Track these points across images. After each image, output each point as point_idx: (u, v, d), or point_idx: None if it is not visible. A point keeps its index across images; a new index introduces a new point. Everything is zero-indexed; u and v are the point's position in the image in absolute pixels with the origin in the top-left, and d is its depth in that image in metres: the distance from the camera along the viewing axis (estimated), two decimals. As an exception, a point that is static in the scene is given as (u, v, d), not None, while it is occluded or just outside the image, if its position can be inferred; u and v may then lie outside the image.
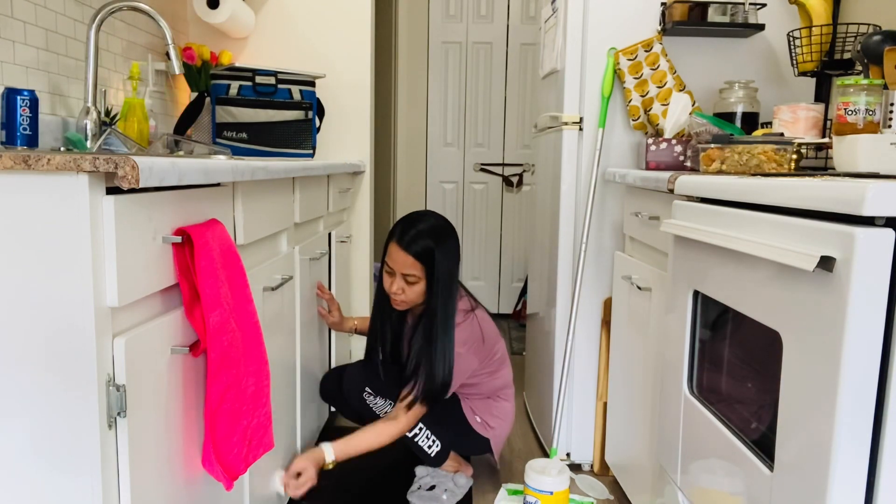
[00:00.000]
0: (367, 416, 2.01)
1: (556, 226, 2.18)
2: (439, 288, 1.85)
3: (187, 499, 1.10)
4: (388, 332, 2.05)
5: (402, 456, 2.23)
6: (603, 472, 2.18)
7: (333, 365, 2.38)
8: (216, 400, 1.07)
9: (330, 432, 2.41)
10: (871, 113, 1.37)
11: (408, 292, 1.88)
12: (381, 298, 2.00)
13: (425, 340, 1.87)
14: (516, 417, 2.67)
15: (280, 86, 2.33)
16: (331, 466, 1.79)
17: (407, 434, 1.92)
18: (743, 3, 1.95)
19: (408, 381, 1.88)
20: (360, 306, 2.86)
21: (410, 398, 1.86)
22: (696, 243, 1.33)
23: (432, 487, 1.99)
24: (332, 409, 2.40)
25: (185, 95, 2.55)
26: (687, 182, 1.39)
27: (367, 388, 1.99)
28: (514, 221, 4.28)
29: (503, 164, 4.25)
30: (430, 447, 1.95)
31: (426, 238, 1.84)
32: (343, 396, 2.06)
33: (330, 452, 1.78)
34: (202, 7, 2.39)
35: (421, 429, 1.93)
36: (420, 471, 2.03)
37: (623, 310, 1.93)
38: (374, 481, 2.10)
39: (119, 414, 0.89)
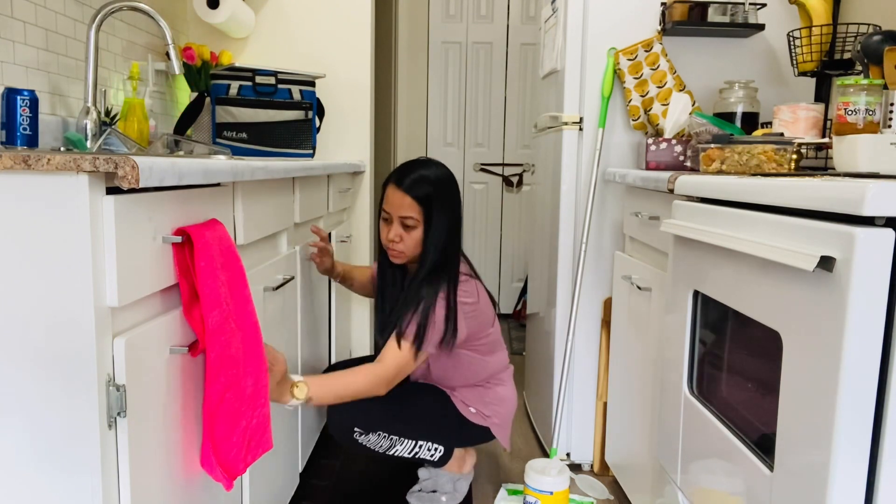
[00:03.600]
0: (366, 453, 1.87)
1: (556, 226, 2.18)
2: (436, 231, 1.74)
3: (187, 499, 1.10)
4: (391, 297, 1.91)
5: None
6: (603, 472, 2.18)
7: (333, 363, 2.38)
8: (215, 400, 1.07)
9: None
10: (871, 113, 1.37)
11: (406, 240, 1.76)
12: (382, 262, 1.90)
13: (416, 280, 1.74)
14: (516, 417, 2.66)
15: (280, 86, 2.33)
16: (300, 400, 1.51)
17: (407, 456, 1.86)
18: (743, 3, 1.95)
19: (396, 320, 1.73)
20: (360, 306, 2.86)
21: (397, 334, 1.70)
22: (696, 243, 1.33)
23: (433, 491, 1.99)
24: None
25: (185, 95, 2.55)
26: (687, 182, 1.39)
27: (356, 428, 1.82)
28: (514, 221, 4.28)
29: (503, 164, 4.25)
30: (432, 455, 1.90)
31: (427, 183, 1.74)
32: (332, 435, 1.91)
33: (304, 390, 1.50)
34: (202, 7, 2.39)
35: (421, 445, 1.87)
36: (423, 473, 2.02)
37: (623, 310, 1.93)
38: (374, 481, 2.10)
39: (119, 414, 0.89)
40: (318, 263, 1.99)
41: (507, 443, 2.00)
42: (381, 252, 1.89)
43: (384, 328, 1.83)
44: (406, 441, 1.86)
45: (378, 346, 1.81)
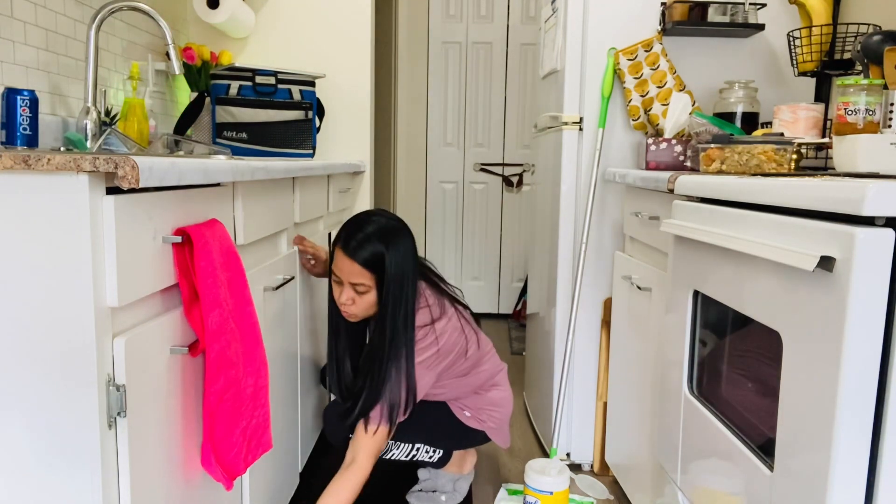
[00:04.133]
0: None
1: (556, 226, 2.18)
2: (391, 297, 1.65)
3: (187, 498, 1.10)
4: (344, 350, 1.84)
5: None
6: (603, 472, 2.18)
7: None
8: (215, 400, 1.07)
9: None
10: (871, 113, 1.37)
11: (358, 303, 1.69)
12: (333, 312, 1.82)
13: (375, 356, 1.67)
14: (516, 417, 2.67)
15: (280, 86, 2.33)
16: None
17: (404, 459, 1.84)
18: (743, 3, 1.95)
19: (355, 401, 1.68)
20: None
21: (356, 417, 1.65)
22: (696, 243, 1.33)
23: (433, 491, 1.99)
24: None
25: (185, 95, 2.55)
26: (687, 182, 1.39)
27: (351, 435, 1.75)
28: (514, 221, 4.28)
29: (503, 164, 4.25)
30: (431, 458, 1.89)
31: (374, 242, 1.65)
32: (328, 439, 1.90)
33: None
34: (202, 7, 2.39)
35: (418, 448, 1.86)
36: (423, 473, 2.02)
37: (623, 310, 1.93)
38: (374, 482, 2.10)
39: (119, 414, 0.89)
40: (310, 269, 1.95)
41: (506, 441, 1.98)
42: (332, 305, 1.81)
43: (339, 382, 1.82)
44: (402, 445, 1.85)
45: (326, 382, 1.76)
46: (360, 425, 1.66)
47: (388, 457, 1.85)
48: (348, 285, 1.69)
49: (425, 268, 1.83)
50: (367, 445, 1.64)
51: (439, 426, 1.89)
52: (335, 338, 1.84)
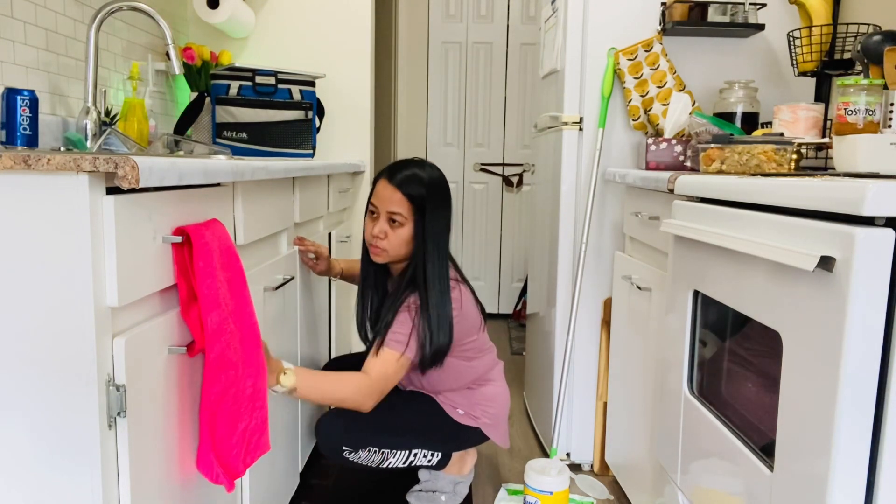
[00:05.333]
0: (355, 467, 1.84)
1: (556, 226, 2.18)
2: (425, 239, 1.68)
3: (187, 498, 1.10)
4: (373, 297, 1.85)
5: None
6: (603, 472, 2.18)
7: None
8: (214, 401, 1.07)
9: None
10: (871, 113, 1.37)
11: (390, 237, 1.69)
12: (364, 260, 1.84)
13: (406, 287, 1.69)
14: (516, 417, 2.67)
15: (280, 86, 2.33)
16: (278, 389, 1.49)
17: (402, 466, 1.82)
18: (743, 3, 1.95)
19: (377, 326, 1.70)
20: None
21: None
22: (696, 243, 1.33)
23: (433, 491, 1.99)
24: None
25: (185, 95, 2.55)
26: (687, 182, 1.39)
27: (345, 447, 1.75)
28: (514, 221, 4.28)
29: (503, 164, 4.25)
30: (429, 461, 1.86)
31: (419, 183, 1.68)
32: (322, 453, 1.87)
33: (290, 379, 1.48)
34: (202, 7, 2.39)
35: (415, 454, 1.82)
36: (423, 474, 2.02)
37: (623, 310, 1.93)
38: (373, 482, 2.10)
39: (119, 414, 0.89)
40: (313, 267, 1.94)
41: (505, 441, 1.94)
42: (364, 250, 1.83)
43: (363, 328, 1.85)
44: (399, 452, 1.80)
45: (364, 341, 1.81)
46: (375, 347, 1.67)
47: (385, 465, 1.80)
48: (384, 217, 1.70)
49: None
50: (378, 367, 1.64)
51: (433, 428, 1.85)
52: (363, 279, 1.87)
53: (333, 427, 1.75)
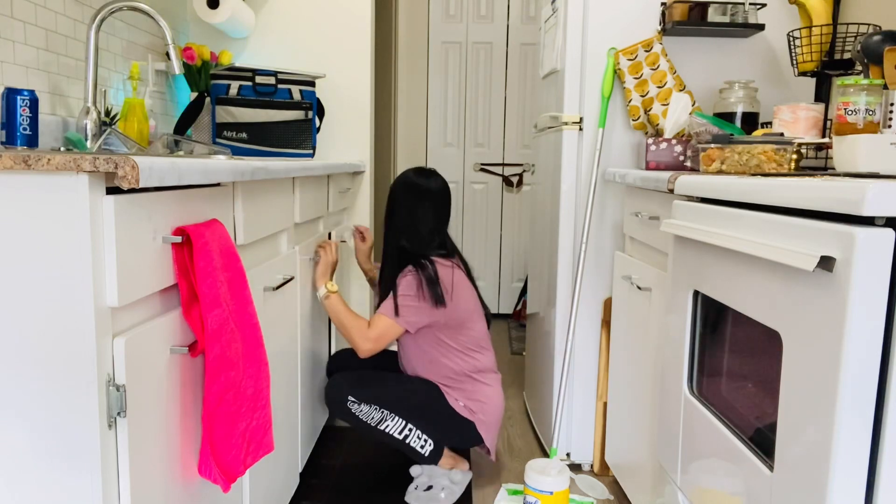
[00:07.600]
0: (356, 426, 1.97)
1: (556, 226, 2.18)
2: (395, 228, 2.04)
3: (187, 498, 1.10)
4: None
5: (402, 458, 2.24)
6: (603, 472, 2.18)
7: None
8: (214, 401, 1.07)
9: (331, 431, 2.41)
10: (871, 113, 1.37)
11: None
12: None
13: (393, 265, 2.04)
14: (516, 417, 2.67)
15: (280, 86, 2.33)
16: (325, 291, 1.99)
17: (397, 436, 1.93)
18: (743, 3, 1.95)
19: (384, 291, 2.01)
20: (360, 307, 2.86)
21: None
22: (696, 243, 1.33)
23: (429, 487, 1.99)
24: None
25: (185, 95, 2.55)
26: (687, 182, 1.39)
27: (351, 397, 1.94)
28: (514, 221, 4.28)
29: (503, 164, 4.25)
30: (422, 447, 1.95)
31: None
32: (328, 406, 2.02)
33: (333, 289, 1.99)
34: (202, 7, 2.39)
35: (411, 430, 1.94)
36: (416, 470, 2.03)
37: (623, 310, 1.93)
38: (373, 482, 2.10)
39: (119, 414, 0.89)
40: (356, 243, 2.33)
41: (492, 445, 2.05)
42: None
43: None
44: (397, 418, 1.94)
45: None
46: (377, 311, 2.00)
47: (382, 427, 1.93)
48: None
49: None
50: (377, 322, 1.97)
51: (431, 409, 1.98)
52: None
53: (345, 379, 1.98)
